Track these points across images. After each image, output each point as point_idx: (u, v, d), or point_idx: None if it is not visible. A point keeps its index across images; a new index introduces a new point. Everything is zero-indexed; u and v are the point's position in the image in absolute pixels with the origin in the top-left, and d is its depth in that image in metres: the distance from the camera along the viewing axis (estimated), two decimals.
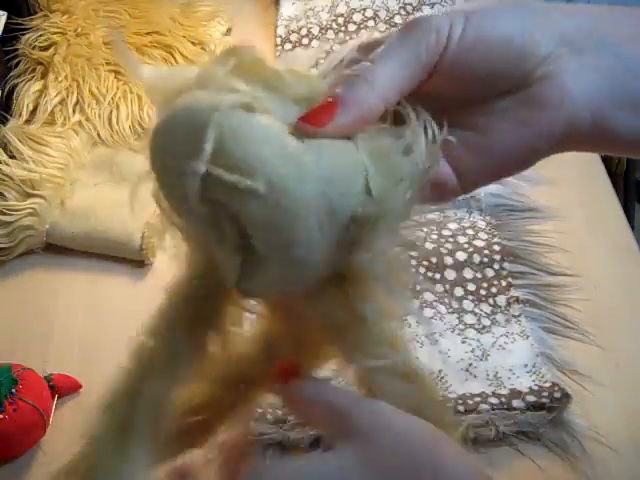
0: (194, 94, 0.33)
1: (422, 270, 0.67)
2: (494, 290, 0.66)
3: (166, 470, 0.38)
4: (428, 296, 0.66)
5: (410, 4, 0.89)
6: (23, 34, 0.83)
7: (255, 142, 0.31)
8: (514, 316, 0.64)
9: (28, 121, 0.78)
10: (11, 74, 0.81)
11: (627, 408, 0.60)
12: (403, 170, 0.34)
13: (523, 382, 0.60)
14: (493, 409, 0.57)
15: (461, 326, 0.64)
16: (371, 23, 0.87)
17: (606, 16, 0.37)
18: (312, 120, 0.33)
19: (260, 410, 0.56)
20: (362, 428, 0.34)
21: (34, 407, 0.57)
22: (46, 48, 0.82)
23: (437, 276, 0.67)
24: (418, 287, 0.66)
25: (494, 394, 0.58)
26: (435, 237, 0.69)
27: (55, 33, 0.83)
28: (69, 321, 0.66)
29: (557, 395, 0.58)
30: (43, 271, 0.70)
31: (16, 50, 0.82)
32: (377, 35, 0.39)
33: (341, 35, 0.87)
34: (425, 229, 0.70)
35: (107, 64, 0.81)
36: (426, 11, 0.89)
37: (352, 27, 0.87)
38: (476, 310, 0.65)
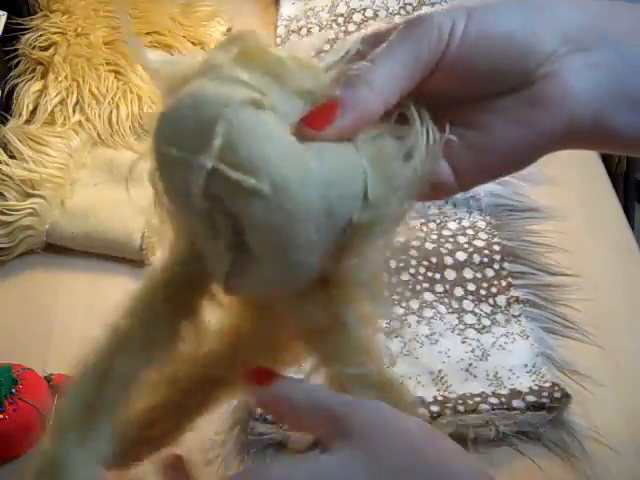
0: (203, 84, 0.32)
1: (422, 270, 0.67)
2: (494, 290, 0.66)
3: (158, 462, 0.38)
4: (428, 296, 0.66)
5: (410, 4, 0.89)
6: (23, 34, 0.83)
7: (263, 142, 0.31)
8: (514, 316, 0.64)
9: (28, 121, 0.78)
10: (11, 74, 0.81)
11: (627, 408, 0.60)
12: (402, 176, 0.34)
13: (523, 382, 0.60)
14: (493, 409, 0.57)
15: (461, 326, 0.64)
16: (371, 23, 0.87)
17: (606, 11, 0.37)
18: (312, 123, 0.33)
19: (260, 410, 0.56)
20: (358, 428, 0.34)
21: (34, 407, 0.57)
22: (46, 48, 0.82)
23: (437, 276, 0.67)
24: (418, 287, 0.66)
25: (494, 394, 0.58)
26: (435, 237, 0.69)
27: (55, 33, 0.83)
28: (69, 321, 0.66)
29: (557, 395, 0.58)
30: (43, 271, 0.70)
31: (16, 50, 0.82)
32: (382, 26, 0.38)
33: (341, 35, 0.87)
34: (425, 229, 0.70)
35: (107, 64, 0.81)
36: (426, 11, 0.88)
37: (352, 27, 0.87)
38: (476, 310, 0.65)
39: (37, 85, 0.80)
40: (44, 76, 0.81)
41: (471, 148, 0.37)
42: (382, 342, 0.61)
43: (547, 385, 0.59)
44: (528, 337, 0.63)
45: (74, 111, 0.78)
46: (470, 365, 0.61)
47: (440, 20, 0.35)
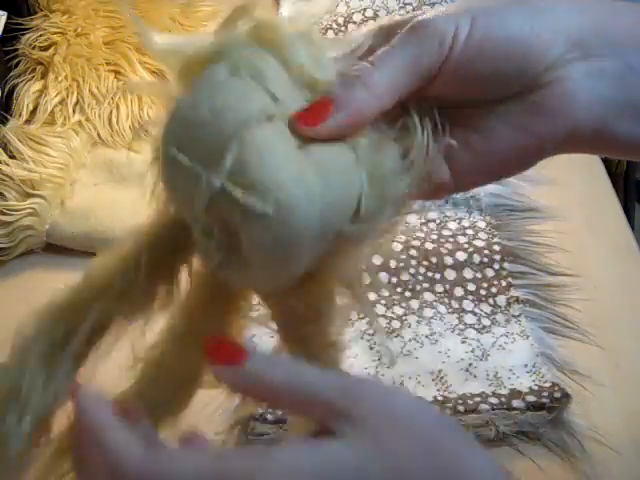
0: (222, 83, 0.32)
1: (422, 270, 0.67)
2: (494, 290, 0.66)
3: (175, 436, 0.36)
4: (428, 296, 0.66)
5: (410, 4, 0.89)
6: (23, 34, 0.83)
7: (273, 166, 0.31)
8: (514, 316, 0.64)
9: (28, 121, 0.78)
10: (11, 74, 0.81)
11: (627, 408, 0.60)
12: (398, 192, 0.34)
13: (523, 382, 0.60)
14: (493, 409, 0.57)
15: (461, 326, 0.64)
16: (371, 23, 0.87)
17: (607, 12, 0.37)
18: (306, 120, 0.33)
19: (260, 410, 0.56)
20: (363, 422, 0.30)
21: None
22: (46, 48, 0.82)
23: (437, 276, 0.67)
24: (418, 287, 0.66)
25: (494, 394, 0.58)
26: (435, 237, 0.69)
27: (55, 33, 0.83)
28: None
29: (557, 395, 0.58)
30: (43, 271, 0.70)
31: (16, 50, 0.82)
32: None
33: (341, 35, 0.87)
34: (425, 229, 0.70)
35: (107, 64, 0.81)
36: (426, 11, 0.88)
37: (352, 27, 0.87)
38: (476, 310, 0.65)
39: (37, 85, 0.80)
40: (44, 76, 0.81)
41: (471, 150, 0.37)
42: (382, 342, 0.61)
43: (547, 385, 0.59)
44: (528, 337, 0.63)
45: (74, 111, 0.78)
46: (470, 365, 0.61)
47: (443, 25, 0.35)
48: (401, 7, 0.89)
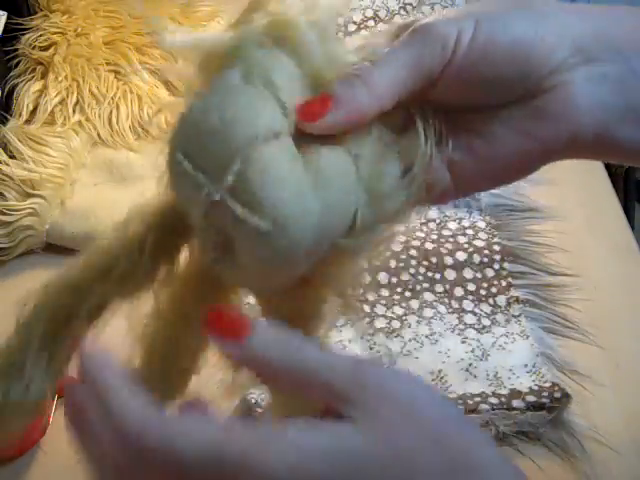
0: (234, 94, 0.32)
1: (422, 270, 0.67)
2: (494, 290, 0.66)
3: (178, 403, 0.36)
4: (428, 296, 0.66)
5: (410, 4, 0.89)
6: (23, 34, 0.83)
7: (275, 186, 0.31)
8: (514, 316, 0.64)
9: (28, 121, 0.78)
10: (11, 74, 0.81)
11: (627, 408, 0.60)
12: (395, 208, 0.34)
13: (523, 382, 0.60)
14: (493, 409, 0.57)
15: (461, 326, 0.64)
16: (371, 23, 0.87)
17: (608, 17, 0.37)
18: (304, 115, 0.33)
19: (260, 410, 0.56)
20: (363, 398, 0.29)
21: None
22: (46, 48, 0.82)
23: (437, 276, 0.67)
24: (418, 287, 0.66)
25: (494, 394, 0.58)
26: (435, 237, 0.69)
27: (55, 33, 0.83)
28: None
29: (557, 395, 0.58)
30: (43, 271, 0.70)
31: (16, 50, 0.82)
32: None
33: (341, 35, 0.87)
34: (425, 229, 0.70)
35: (107, 64, 0.81)
36: (426, 11, 0.89)
37: (352, 27, 0.87)
38: (476, 310, 0.65)
39: (37, 85, 0.80)
40: (44, 76, 0.81)
41: (473, 155, 0.37)
42: (382, 342, 0.61)
43: (547, 385, 0.59)
44: (528, 337, 0.63)
45: (74, 111, 0.78)
46: (470, 365, 0.61)
47: (446, 28, 0.35)
48: (401, 7, 0.89)
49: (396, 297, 0.66)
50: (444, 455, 0.29)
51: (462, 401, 0.58)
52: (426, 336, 0.63)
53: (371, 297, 0.65)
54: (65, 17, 0.84)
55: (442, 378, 0.60)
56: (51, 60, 0.81)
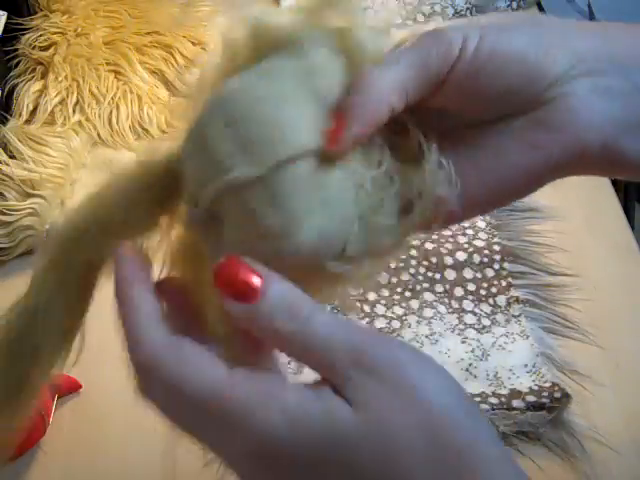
0: (278, 99, 0.32)
1: (422, 270, 0.67)
2: (494, 290, 0.66)
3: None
4: (428, 296, 0.66)
5: (410, 4, 0.89)
6: (23, 34, 0.83)
7: (296, 203, 0.31)
8: (514, 316, 0.64)
9: (28, 121, 0.78)
10: (11, 74, 0.81)
11: (627, 408, 0.60)
12: (390, 241, 0.34)
13: (523, 382, 0.60)
14: (493, 409, 0.57)
15: (461, 326, 0.64)
16: None
17: (611, 34, 0.37)
18: (329, 143, 0.32)
19: None
20: (367, 383, 0.29)
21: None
22: (46, 48, 0.82)
23: (437, 276, 0.67)
24: (418, 287, 0.66)
25: (494, 394, 0.58)
26: (435, 237, 0.69)
27: (55, 33, 0.83)
28: None
29: (557, 395, 0.58)
30: None
31: (16, 50, 0.82)
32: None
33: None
34: None
35: (107, 64, 0.81)
36: (426, 11, 0.89)
37: None
38: (476, 310, 0.65)
39: (37, 85, 0.80)
40: (44, 76, 0.81)
41: (479, 170, 0.36)
42: None
43: (547, 385, 0.59)
44: (528, 337, 0.63)
45: (74, 111, 0.78)
46: (470, 365, 0.61)
47: (451, 35, 0.35)
48: (401, 7, 0.89)
49: (396, 297, 0.66)
50: (435, 450, 0.29)
51: None
52: (426, 336, 0.63)
53: (371, 297, 0.65)
54: (65, 17, 0.85)
55: None
56: (51, 60, 0.81)
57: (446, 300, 0.65)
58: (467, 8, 0.88)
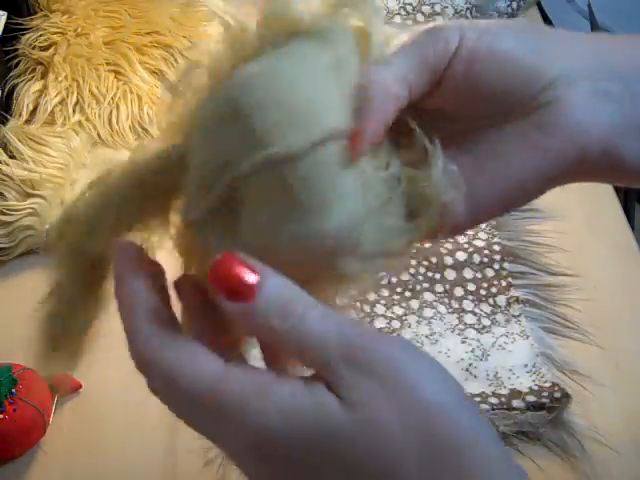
0: (323, 78, 0.32)
1: (422, 270, 0.67)
2: (494, 290, 0.66)
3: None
4: (428, 296, 0.66)
5: (410, 4, 0.89)
6: (23, 34, 0.83)
7: (327, 185, 0.31)
8: (514, 316, 0.64)
9: (28, 121, 0.78)
10: (11, 74, 0.81)
11: (627, 408, 0.60)
12: (395, 247, 0.34)
13: (523, 382, 0.60)
14: (493, 409, 0.57)
15: (461, 326, 0.64)
16: None
17: (611, 43, 0.38)
18: (352, 148, 0.32)
19: None
20: (362, 385, 0.29)
21: (34, 407, 0.57)
22: (46, 48, 0.82)
23: (437, 276, 0.67)
24: (418, 287, 0.66)
25: (494, 394, 0.58)
26: None
27: (55, 33, 0.83)
28: None
29: (557, 395, 0.58)
30: (43, 271, 0.70)
31: (16, 50, 0.82)
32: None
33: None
34: None
35: (107, 64, 0.81)
36: (426, 11, 0.89)
37: None
38: (476, 310, 0.65)
39: (37, 85, 0.80)
40: (44, 76, 0.81)
41: (485, 175, 0.36)
42: None
43: (547, 385, 0.59)
44: (528, 337, 0.63)
45: (74, 111, 0.78)
46: (470, 365, 0.61)
47: (448, 32, 0.36)
48: (401, 7, 0.89)
49: (396, 297, 0.66)
50: (434, 450, 0.29)
51: None
52: (426, 336, 0.63)
53: (371, 297, 0.65)
54: (65, 17, 0.84)
55: None
56: (51, 60, 0.81)
57: (446, 300, 0.65)
58: (467, 8, 0.88)
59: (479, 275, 0.67)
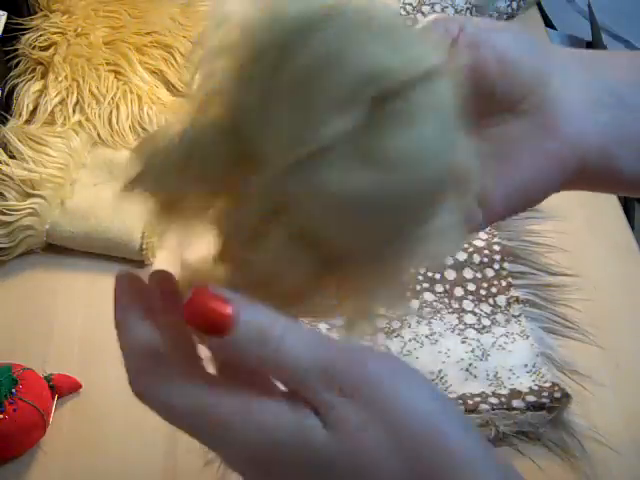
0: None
1: (422, 270, 0.67)
2: (494, 290, 0.66)
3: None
4: (428, 296, 0.66)
5: (410, 4, 0.89)
6: (23, 34, 0.83)
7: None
8: (514, 316, 0.64)
9: (28, 121, 0.78)
10: (11, 74, 0.81)
11: (627, 408, 0.60)
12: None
13: (523, 382, 0.60)
14: (493, 409, 0.57)
15: (461, 326, 0.64)
16: None
17: (608, 58, 0.38)
18: None
19: None
20: (334, 401, 0.29)
21: (34, 407, 0.57)
22: (46, 48, 0.82)
23: (437, 276, 0.67)
24: (418, 287, 0.66)
25: (494, 394, 0.58)
26: None
27: (55, 33, 0.83)
28: (69, 321, 0.66)
29: (557, 395, 0.58)
30: (43, 271, 0.70)
31: (16, 50, 0.82)
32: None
33: None
34: None
35: (107, 64, 0.81)
36: (426, 11, 0.89)
37: None
38: (476, 310, 0.65)
39: (37, 85, 0.80)
40: (44, 76, 0.81)
41: (495, 177, 0.37)
42: (382, 342, 0.61)
43: (547, 385, 0.59)
44: (528, 337, 0.63)
45: (74, 111, 0.78)
46: (470, 365, 0.61)
47: (451, 21, 0.36)
48: (401, 7, 0.89)
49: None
50: (415, 471, 0.29)
51: (462, 401, 0.58)
52: (426, 336, 0.63)
53: None
54: (65, 17, 0.84)
55: (442, 378, 0.60)
56: (51, 60, 0.81)
57: (446, 300, 0.65)
58: (467, 8, 0.88)
59: (479, 275, 0.67)
